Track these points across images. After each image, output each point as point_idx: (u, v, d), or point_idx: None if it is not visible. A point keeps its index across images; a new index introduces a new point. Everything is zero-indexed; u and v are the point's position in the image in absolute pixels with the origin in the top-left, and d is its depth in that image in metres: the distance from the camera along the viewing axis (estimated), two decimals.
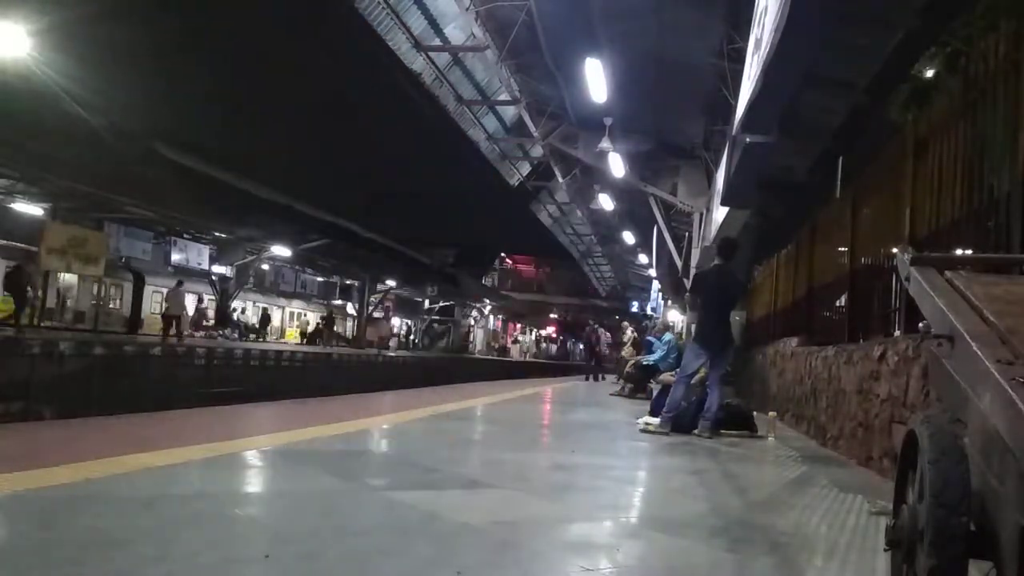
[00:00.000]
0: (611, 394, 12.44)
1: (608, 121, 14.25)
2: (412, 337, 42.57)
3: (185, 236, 28.87)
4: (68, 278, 23.19)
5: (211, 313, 27.68)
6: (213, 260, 30.12)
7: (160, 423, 5.24)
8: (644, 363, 12.86)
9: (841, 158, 8.52)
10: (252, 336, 29.95)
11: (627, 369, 13.08)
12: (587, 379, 18.97)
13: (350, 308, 38.35)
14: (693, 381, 6.67)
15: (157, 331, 19.83)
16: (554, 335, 59.02)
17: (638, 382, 12.45)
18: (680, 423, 6.52)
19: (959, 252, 3.91)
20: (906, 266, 2.54)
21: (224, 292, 29.12)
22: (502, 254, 50.39)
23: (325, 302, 39.62)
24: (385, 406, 7.56)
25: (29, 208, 21.02)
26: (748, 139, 7.58)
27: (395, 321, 43.49)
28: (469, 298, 43.34)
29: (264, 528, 2.63)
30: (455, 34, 13.96)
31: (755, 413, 7.19)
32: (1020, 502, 1.45)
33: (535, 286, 51.36)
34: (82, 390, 11.10)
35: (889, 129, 7.05)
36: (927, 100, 6.37)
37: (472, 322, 47.19)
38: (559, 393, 12.00)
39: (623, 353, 13.13)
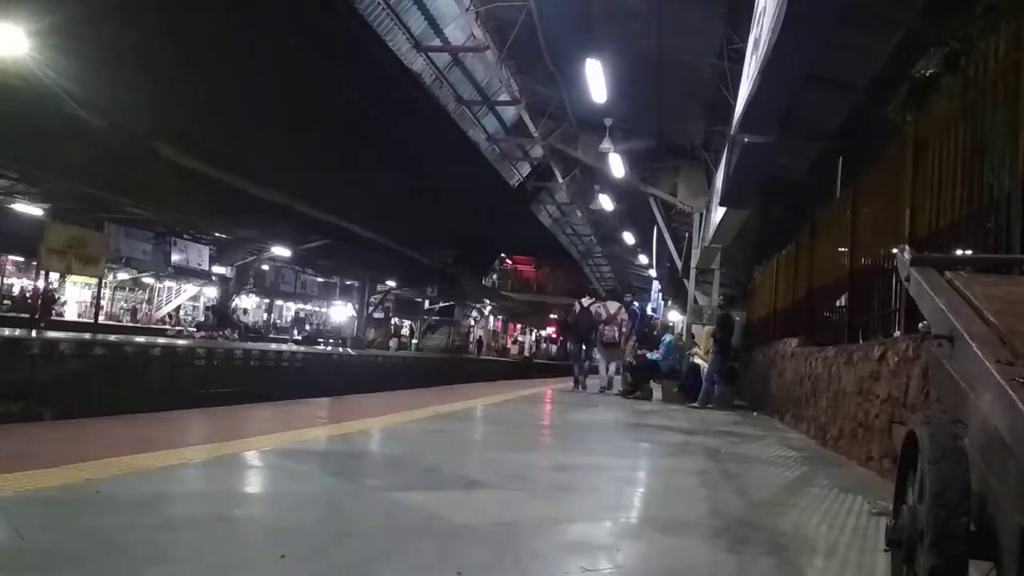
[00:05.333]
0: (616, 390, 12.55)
1: (608, 122, 14.25)
2: (414, 340, 42.42)
3: (185, 236, 28.85)
4: None
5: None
6: (213, 260, 30.12)
7: (159, 424, 5.24)
8: (649, 357, 12.81)
9: (841, 158, 8.51)
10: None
11: (627, 359, 12.97)
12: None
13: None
14: None
15: None
16: (554, 335, 59.00)
17: (636, 373, 12.32)
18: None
19: (959, 252, 3.91)
20: (906, 266, 2.54)
21: (225, 292, 29.15)
22: (502, 254, 50.37)
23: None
24: (384, 406, 7.55)
25: (29, 208, 21.02)
26: (748, 139, 7.57)
27: (395, 321, 43.50)
28: (469, 298, 43.33)
29: (264, 528, 2.63)
30: (455, 34, 13.96)
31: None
32: (1020, 502, 1.45)
33: (535, 286, 51.33)
34: (82, 390, 11.09)
35: (889, 129, 7.05)
36: (925, 99, 6.37)
37: (472, 322, 47.17)
38: (559, 394, 12.00)
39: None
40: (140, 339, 16.18)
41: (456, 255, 35.58)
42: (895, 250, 2.98)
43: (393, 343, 36.34)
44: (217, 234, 27.40)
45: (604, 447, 6.11)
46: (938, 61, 6.42)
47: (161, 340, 18.35)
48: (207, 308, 33.16)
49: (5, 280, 27.86)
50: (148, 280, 31.96)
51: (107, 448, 3.67)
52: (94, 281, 24.12)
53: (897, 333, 4.95)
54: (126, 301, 32.86)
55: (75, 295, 29.12)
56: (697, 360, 12.03)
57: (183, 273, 30.53)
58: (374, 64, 14.45)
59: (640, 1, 9.98)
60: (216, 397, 12.29)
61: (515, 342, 55.42)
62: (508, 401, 9.72)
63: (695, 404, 10.71)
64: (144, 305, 33.19)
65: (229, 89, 15.75)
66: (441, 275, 36.15)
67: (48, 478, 2.90)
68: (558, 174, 19.41)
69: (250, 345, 20.50)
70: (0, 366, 10.10)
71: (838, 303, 7.10)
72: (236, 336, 27.44)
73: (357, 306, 36.69)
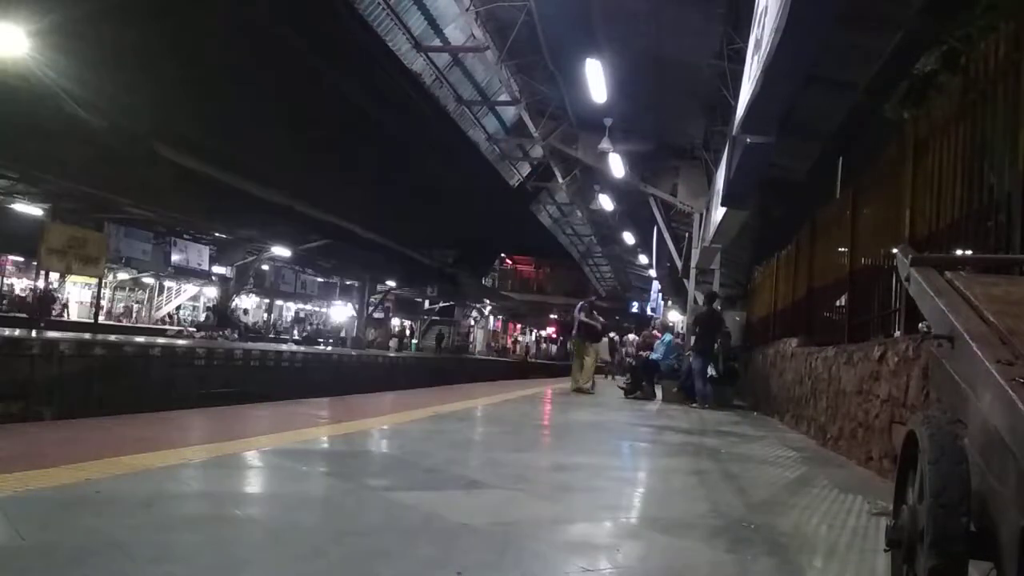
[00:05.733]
0: (619, 386, 12.75)
1: (608, 122, 14.25)
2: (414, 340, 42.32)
3: (185, 236, 28.83)
4: None
5: None
6: (213, 260, 30.11)
7: (159, 424, 5.24)
8: (649, 358, 12.98)
9: (841, 158, 8.51)
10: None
11: (628, 359, 13.30)
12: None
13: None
14: None
15: None
16: (554, 335, 59.02)
17: (634, 372, 12.58)
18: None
19: (959, 252, 3.91)
20: (906, 266, 2.54)
21: (225, 292, 29.13)
22: (502, 254, 50.37)
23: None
24: (384, 406, 7.56)
25: (29, 208, 21.02)
26: (748, 139, 7.57)
27: (397, 322, 43.44)
28: (469, 298, 43.31)
29: (265, 528, 2.63)
30: (455, 35, 13.96)
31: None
32: (1020, 502, 1.45)
33: (535, 286, 51.31)
34: (82, 390, 11.09)
35: (889, 129, 7.05)
36: (923, 96, 6.38)
37: (472, 322, 47.17)
38: (559, 394, 12.00)
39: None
40: (140, 339, 16.18)
41: (456, 255, 35.57)
42: (895, 250, 2.99)
43: (393, 343, 36.33)
44: (217, 234, 27.39)
45: (604, 447, 6.11)
46: (936, 59, 6.42)
47: (161, 340, 18.35)
48: (207, 308, 33.14)
49: (5, 280, 27.86)
50: (148, 280, 31.97)
51: (107, 448, 3.67)
52: (94, 281, 24.10)
53: (897, 333, 4.95)
54: (130, 301, 32.88)
55: (75, 295, 29.10)
56: None
57: (183, 273, 30.51)
58: (374, 64, 14.44)
59: (640, 1, 9.98)
60: (216, 397, 12.29)
61: (515, 342, 55.38)
62: (507, 401, 9.72)
63: (695, 404, 10.73)
64: (141, 304, 33.19)
65: (229, 89, 15.74)
66: (441, 275, 36.13)
67: (48, 478, 2.90)
68: (558, 174, 19.41)
69: (250, 345, 20.48)
70: (0, 366, 10.09)
71: (838, 303, 7.10)
72: (236, 336, 27.44)
73: (357, 306, 36.67)
